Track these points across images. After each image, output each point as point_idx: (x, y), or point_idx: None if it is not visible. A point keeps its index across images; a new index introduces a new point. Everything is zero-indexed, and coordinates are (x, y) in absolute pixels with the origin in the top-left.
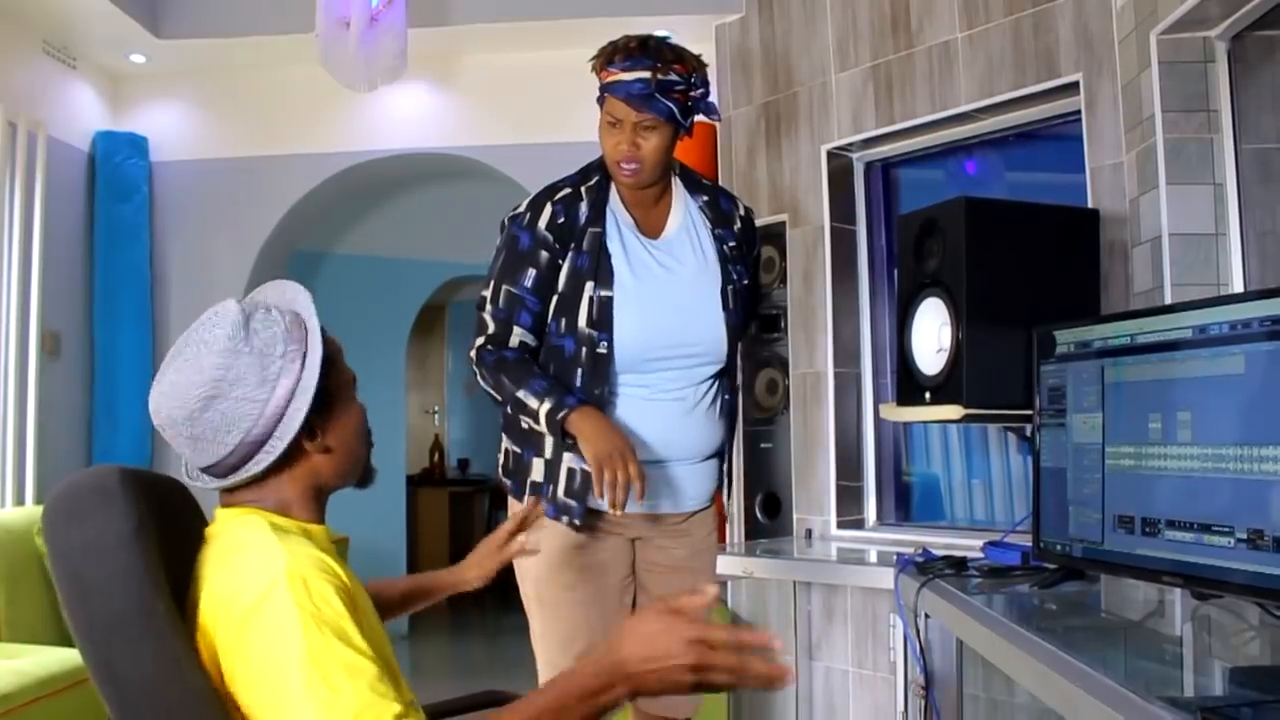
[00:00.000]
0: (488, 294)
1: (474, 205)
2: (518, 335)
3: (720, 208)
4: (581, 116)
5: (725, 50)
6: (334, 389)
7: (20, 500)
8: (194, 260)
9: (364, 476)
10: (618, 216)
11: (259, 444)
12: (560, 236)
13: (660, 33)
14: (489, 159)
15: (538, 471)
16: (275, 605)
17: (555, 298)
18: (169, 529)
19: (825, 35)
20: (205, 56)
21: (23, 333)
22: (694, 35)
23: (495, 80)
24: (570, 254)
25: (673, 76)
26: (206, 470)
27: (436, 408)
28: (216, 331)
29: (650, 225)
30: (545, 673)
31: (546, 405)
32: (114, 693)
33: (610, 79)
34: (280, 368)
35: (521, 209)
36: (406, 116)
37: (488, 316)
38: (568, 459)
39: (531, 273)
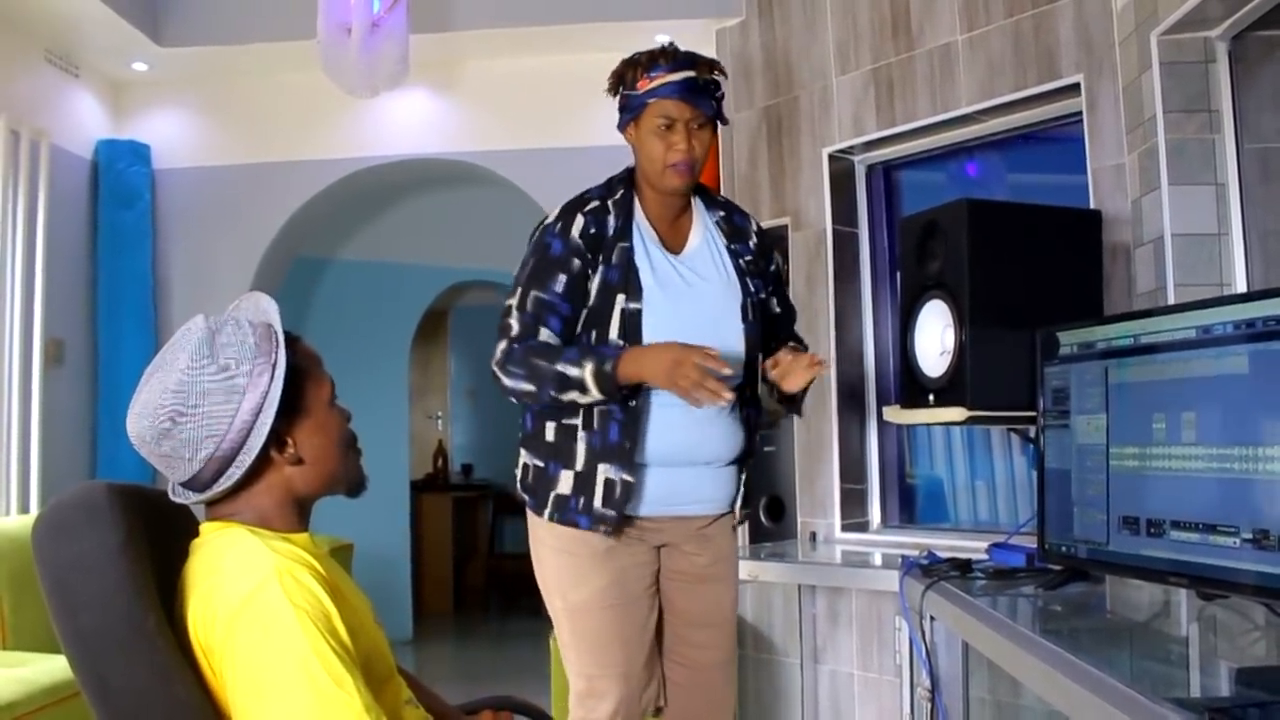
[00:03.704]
0: (514, 301)
1: (476, 211)
2: (545, 337)
3: (735, 223)
4: (583, 122)
5: (726, 54)
6: (306, 399)
7: (25, 508)
8: (197, 267)
9: (353, 485)
10: (643, 231)
11: (229, 458)
12: (591, 247)
13: (660, 38)
14: (491, 164)
15: (565, 485)
16: (267, 601)
17: (586, 310)
18: (162, 543)
19: (826, 39)
20: (207, 64)
21: (26, 340)
22: (695, 40)
23: (497, 86)
24: (600, 267)
25: (709, 76)
26: (185, 486)
27: (440, 413)
28: (182, 350)
29: (674, 239)
30: (577, 684)
31: (590, 366)
32: (105, 706)
33: (656, 83)
34: (247, 382)
35: (552, 219)
36: (408, 122)
37: (513, 321)
38: (603, 470)
39: (563, 278)
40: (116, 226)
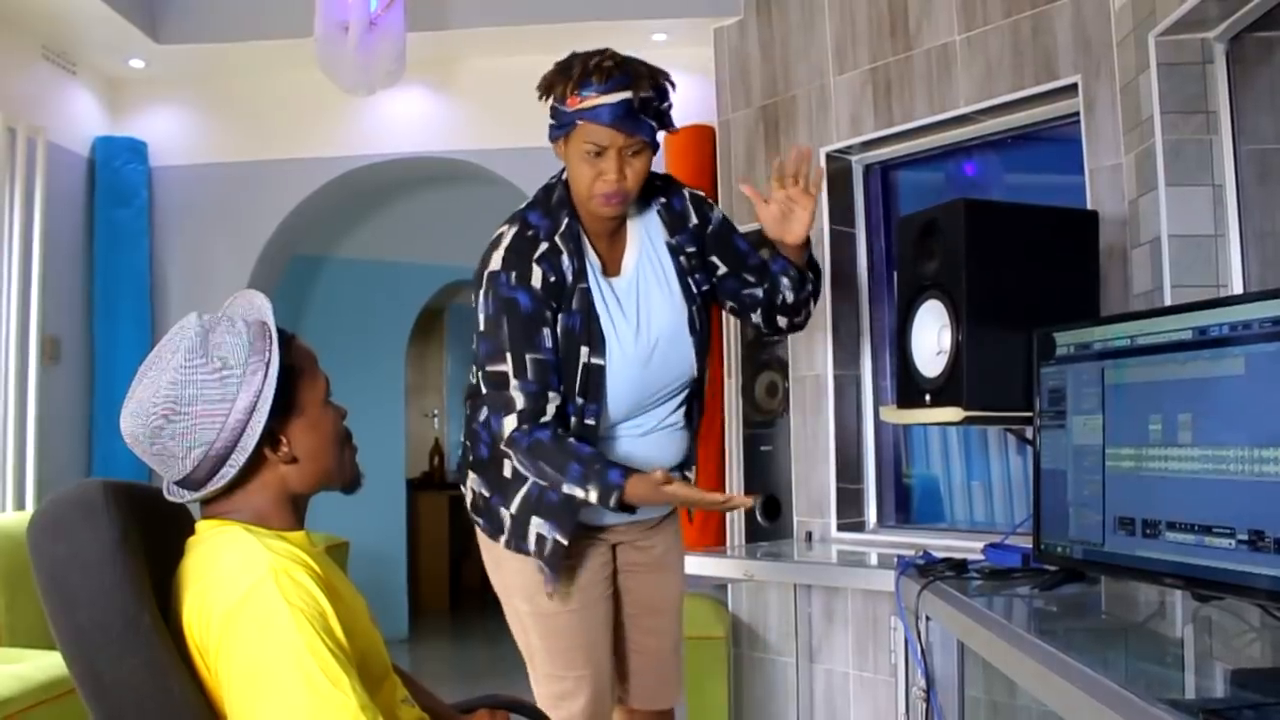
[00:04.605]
0: (508, 368)
1: (473, 209)
2: (553, 402)
3: (675, 208)
4: None
5: (723, 53)
6: (300, 397)
7: (21, 505)
8: (194, 265)
9: (348, 483)
10: (593, 265)
11: (223, 457)
12: (554, 295)
13: (658, 37)
14: (487, 163)
15: (506, 520)
16: (263, 600)
17: None
18: (157, 540)
19: (824, 38)
20: (204, 61)
21: (23, 338)
22: (692, 39)
23: (493, 84)
24: (561, 314)
25: (649, 93)
26: (179, 484)
27: (436, 411)
28: (175, 349)
29: (614, 259)
30: (544, 686)
31: (594, 494)
32: (100, 703)
33: (588, 104)
34: (240, 381)
35: (500, 266)
36: (405, 120)
37: (516, 393)
38: (535, 523)
39: (546, 332)
40: (113, 224)
